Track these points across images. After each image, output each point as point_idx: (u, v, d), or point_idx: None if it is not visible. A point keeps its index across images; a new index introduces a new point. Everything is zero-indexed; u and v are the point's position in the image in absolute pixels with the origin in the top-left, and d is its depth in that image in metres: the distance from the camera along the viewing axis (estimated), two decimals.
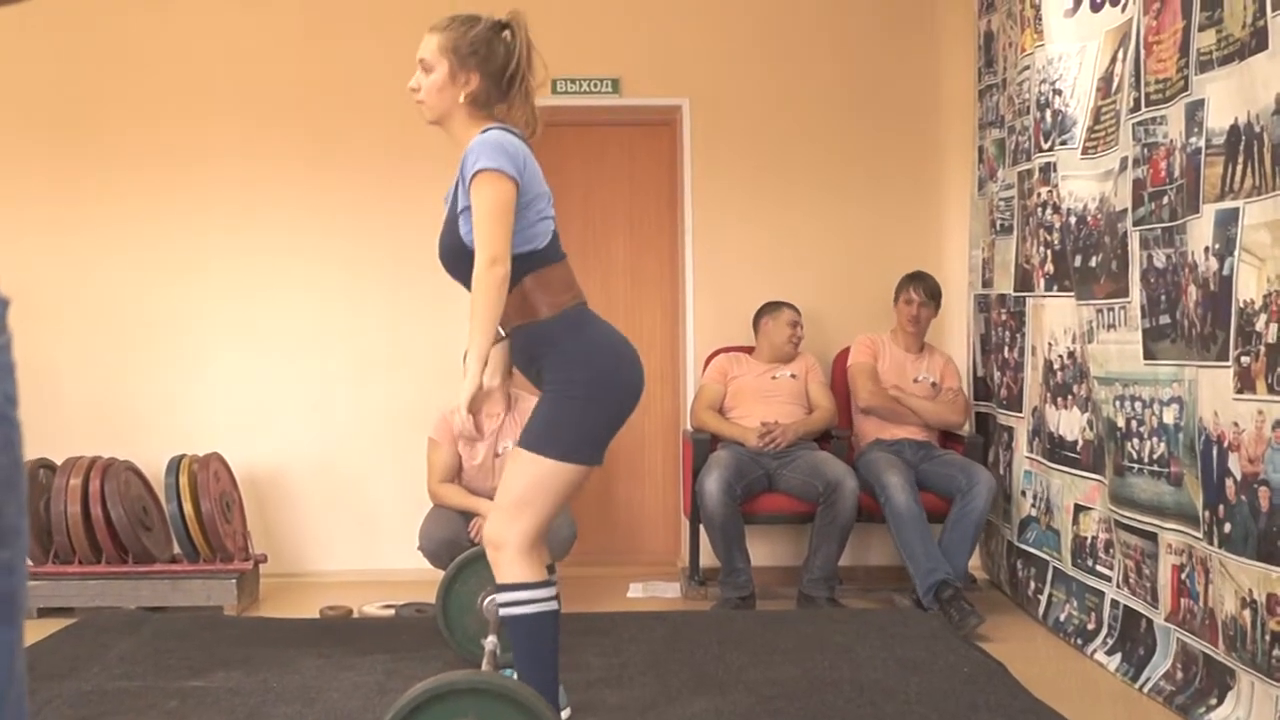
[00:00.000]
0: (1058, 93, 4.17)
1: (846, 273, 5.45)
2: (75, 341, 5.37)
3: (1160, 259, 3.47)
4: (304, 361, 5.44)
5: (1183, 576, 3.41)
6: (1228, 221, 3.04)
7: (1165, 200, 3.43)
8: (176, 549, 4.83)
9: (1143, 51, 3.54)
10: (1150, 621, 3.63)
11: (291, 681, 3.51)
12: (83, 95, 5.40)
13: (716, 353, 5.26)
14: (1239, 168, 3.00)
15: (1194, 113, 3.22)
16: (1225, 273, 3.06)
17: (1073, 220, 4.06)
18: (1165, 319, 3.45)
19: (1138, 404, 3.64)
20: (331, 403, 5.44)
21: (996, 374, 4.95)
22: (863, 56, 5.52)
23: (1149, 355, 3.56)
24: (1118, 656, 3.79)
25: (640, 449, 5.72)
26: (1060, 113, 4.15)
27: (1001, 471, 4.85)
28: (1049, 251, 4.37)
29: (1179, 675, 3.42)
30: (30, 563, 4.64)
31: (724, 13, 5.52)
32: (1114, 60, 3.80)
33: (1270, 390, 2.86)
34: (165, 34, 5.42)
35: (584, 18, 5.48)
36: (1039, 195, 4.43)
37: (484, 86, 2.79)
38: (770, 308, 5.14)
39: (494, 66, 2.80)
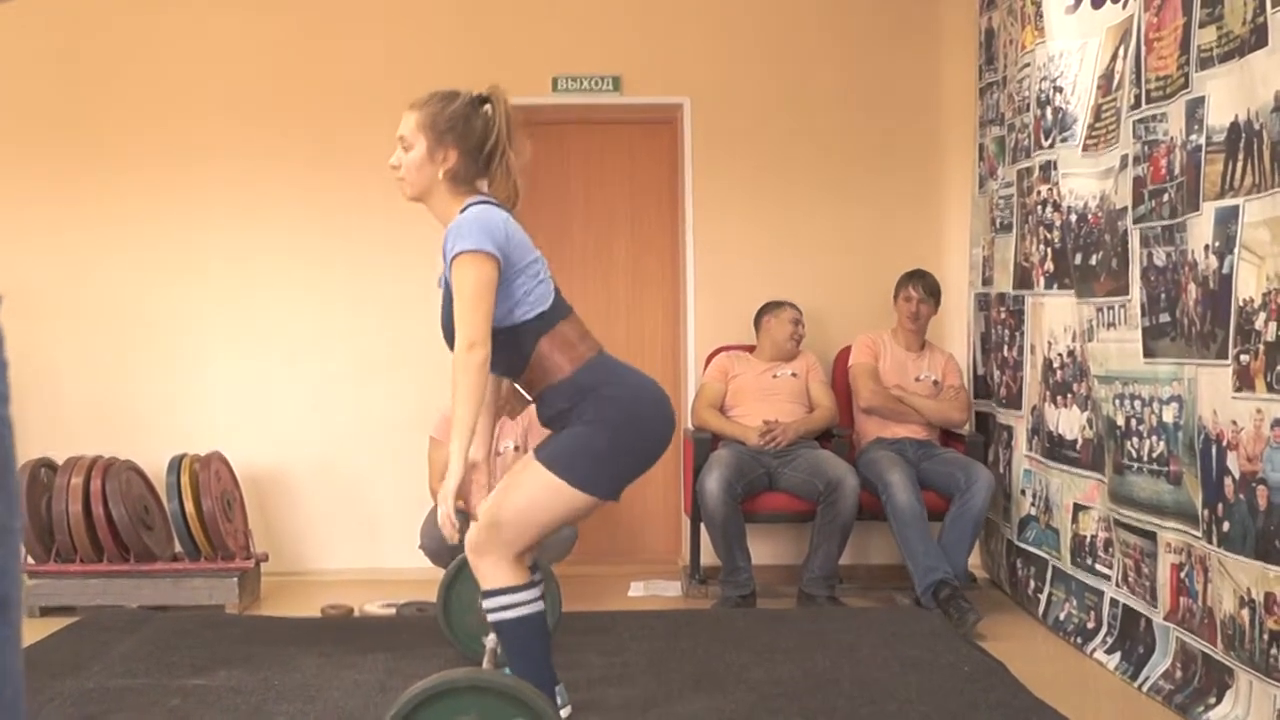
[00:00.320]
0: (1058, 90, 4.17)
1: (847, 271, 5.45)
2: (76, 341, 5.38)
3: (1160, 257, 3.47)
4: (305, 360, 5.45)
5: (1182, 575, 3.41)
6: (1228, 219, 3.04)
7: (1165, 198, 3.43)
8: (178, 548, 4.84)
9: (1143, 48, 3.54)
10: (1149, 620, 3.63)
11: (293, 680, 3.51)
12: (83, 95, 5.40)
13: (717, 351, 5.26)
14: (1239, 165, 3.00)
15: (1194, 110, 3.22)
16: (1225, 271, 3.06)
17: (1073, 218, 4.06)
18: (1165, 317, 3.45)
19: (1137, 402, 3.64)
20: (332, 402, 5.45)
21: (996, 372, 4.96)
22: (863, 54, 5.52)
23: (1149, 353, 3.56)
24: (1117, 655, 3.79)
25: None
26: (1061, 110, 4.15)
27: (1001, 470, 4.85)
28: (1049, 249, 4.37)
29: (1178, 674, 3.42)
30: (32, 561, 4.65)
31: (725, 11, 5.52)
32: (1115, 57, 3.80)
33: (1269, 389, 2.86)
34: (165, 34, 5.43)
35: (585, 15, 5.49)
36: (1039, 193, 4.43)
37: (462, 162, 2.78)
38: (772, 306, 5.15)
39: (472, 143, 2.79)
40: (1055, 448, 4.35)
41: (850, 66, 5.51)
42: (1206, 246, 3.15)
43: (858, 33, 5.52)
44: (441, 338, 2.80)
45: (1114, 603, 3.90)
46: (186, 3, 5.42)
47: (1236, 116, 3.00)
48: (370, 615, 4.61)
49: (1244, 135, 2.97)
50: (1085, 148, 4.00)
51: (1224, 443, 3.07)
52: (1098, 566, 4.04)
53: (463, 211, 2.72)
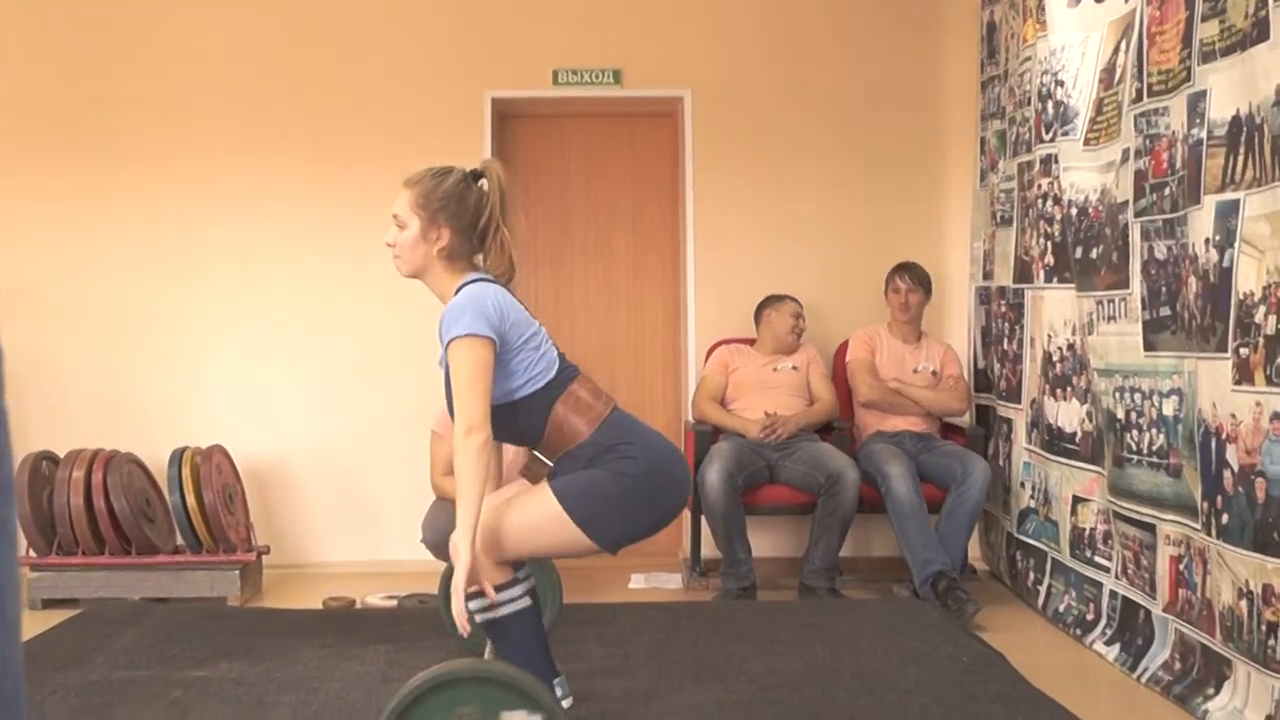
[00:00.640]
0: (1060, 84, 4.17)
1: (848, 265, 5.45)
2: (78, 334, 5.38)
3: (1161, 250, 3.47)
4: (306, 354, 5.45)
5: (1181, 567, 3.42)
6: (1228, 213, 3.05)
7: (1166, 192, 3.43)
8: (179, 540, 4.85)
9: (1145, 42, 3.55)
10: (1148, 612, 3.64)
11: (295, 671, 3.52)
12: (85, 92, 5.41)
13: (718, 344, 5.27)
14: (1240, 159, 3.01)
15: (1196, 104, 3.22)
16: (1225, 264, 3.06)
17: (1073, 212, 4.07)
18: (1165, 311, 3.45)
19: (1137, 395, 3.65)
20: (334, 395, 5.45)
21: (996, 366, 4.96)
22: (865, 48, 5.52)
23: (1149, 347, 3.57)
24: (1116, 646, 3.80)
25: None
26: (1062, 104, 4.15)
27: (1001, 463, 4.86)
28: (1049, 243, 4.38)
29: (1177, 665, 3.43)
30: (34, 554, 4.66)
31: (726, 4, 5.52)
32: (1117, 51, 3.80)
33: (1269, 382, 2.87)
34: (166, 32, 5.43)
35: (586, 8, 5.49)
36: (1040, 187, 4.44)
37: (456, 240, 2.78)
38: (773, 300, 5.15)
39: (465, 220, 2.78)
40: (1055, 440, 4.36)
41: (851, 60, 5.52)
42: (1207, 240, 3.16)
43: (859, 26, 5.52)
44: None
45: (1113, 594, 3.92)
46: (188, 0, 5.44)
47: (1238, 110, 3.01)
48: (372, 607, 4.63)
49: (1245, 129, 2.97)
50: (1086, 141, 4.01)
51: (1223, 435, 3.07)
52: (1097, 558, 4.05)
53: (457, 292, 2.73)
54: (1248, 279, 2.96)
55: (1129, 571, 3.78)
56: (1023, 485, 4.67)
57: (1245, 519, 2.97)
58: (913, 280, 5.09)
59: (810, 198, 5.51)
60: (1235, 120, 3.02)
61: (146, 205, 5.42)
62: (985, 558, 5.21)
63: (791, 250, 5.49)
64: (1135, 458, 3.67)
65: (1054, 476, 4.37)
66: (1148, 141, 3.54)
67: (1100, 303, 3.88)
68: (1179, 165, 3.35)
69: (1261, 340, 2.90)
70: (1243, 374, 2.98)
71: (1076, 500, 4.20)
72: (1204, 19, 3.17)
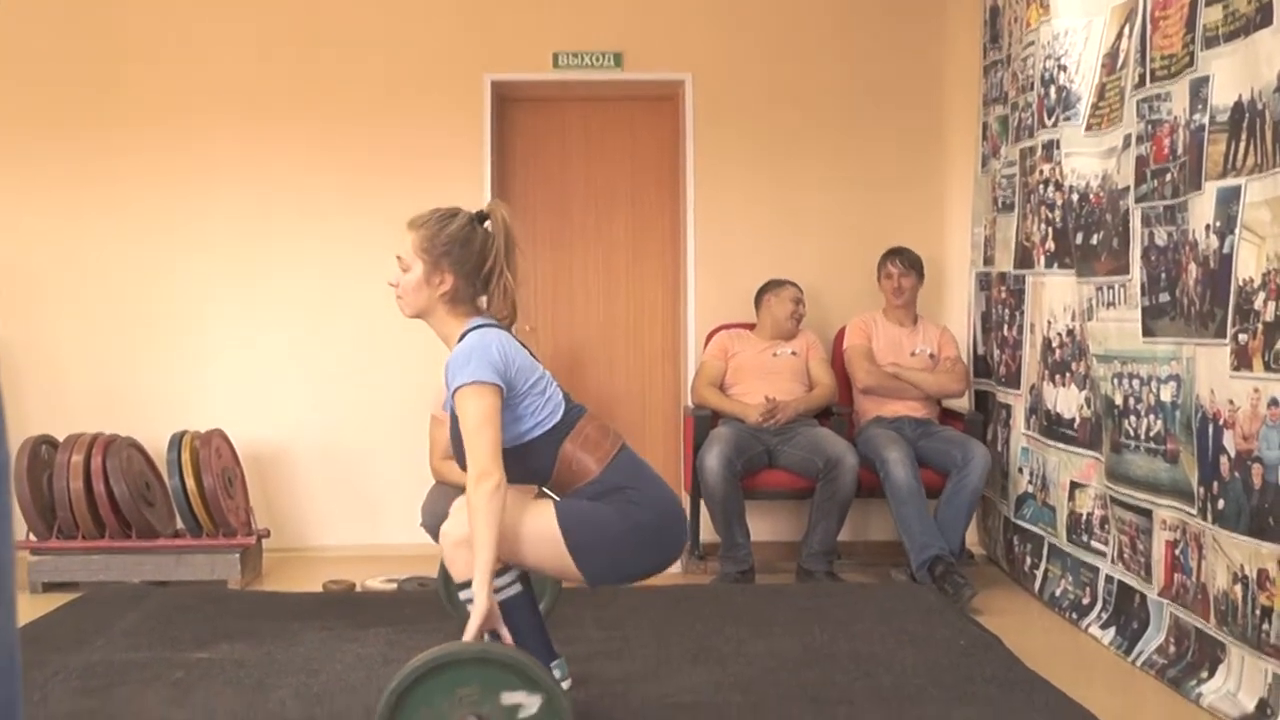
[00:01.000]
0: (1062, 68, 4.17)
1: (848, 250, 5.45)
2: (77, 319, 5.39)
3: (1161, 237, 3.48)
4: (306, 338, 5.46)
5: (1176, 552, 3.43)
6: (1229, 199, 3.05)
7: (1168, 177, 3.43)
8: (179, 524, 4.86)
9: (1149, 27, 3.54)
10: (1144, 596, 3.66)
11: (295, 653, 3.54)
12: (86, 75, 5.40)
13: (717, 329, 5.28)
14: (1241, 145, 3.01)
15: (1198, 89, 3.22)
16: (1225, 251, 3.07)
17: (1074, 197, 4.07)
18: (1165, 297, 3.46)
19: (1135, 381, 3.66)
20: (334, 379, 5.46)
21: (996, 351, 4.97)
22: (867, 33, 5.51)
23: (1148, 333, 3.57)
24: (1112, 630, 3.82)
25: (641, 425, 5.74)
26: (1065, 89, 4.15)
27: (999, 448, 4.87)
28: (1050, 229, 4.38)
29: (1171, 649, 3.45)
30: (34, 538, 4.67)
31: None
32: (1120, 36, 3.79)
33: (1267, 368, 2.88)
34: (166, 19, 5.42)
35: None
36: (1041, 172, 4.44)
37: (460, 284, 2.78)
38: (773, 285, 5.16)
39: (470, 265, 2.78)
40: (1053, 426, 4.37)
41: (853, 44, 5.51)
42: (1207, 226, 3.16)
43: (861, 11, 5.51)
44: None
45: (1109, 579, 3.93)
46: None
47: (1240, 96, 3.01)
48: (372, 590, 4.64)
49: (1247, 115, 2.98)
50: (1088, 127, 4.01)
51: (1220, 421, 3.09)
52: (1093, 543, 4.06)
53: (461, 338, 2.74)
54: (1247, 265, 2.97)
55: (1125, 556, 3.79)
56: (1021, 471, 4.68)
57: (1241, 504, 2.98)
58: (904, 264, 5.10)
59: (811, 182, 5.50)
60: (1237, 106, 3.02)
61: (146, 190, 5.41)
62: (983, 542, 5.23)
63: (791, 235, 5.49)
64: (1133, 443, 3.68)
65: (1052, 462, 4.38)
66: (1149, 127, 3.54)
67: (1100, 289, 3.89)
68: (1180, 151, 3.35)
69: (1260, 327, 2.91)
70: (1241, 360, 2.99)
71: (1074, 485, 4.21)
72: (1208, 4, 3.17)
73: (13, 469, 1.06)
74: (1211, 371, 3.14)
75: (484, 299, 2.82)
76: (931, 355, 5.09)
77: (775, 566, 5.01)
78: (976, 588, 4.32)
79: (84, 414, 5.14)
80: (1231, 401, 3.03)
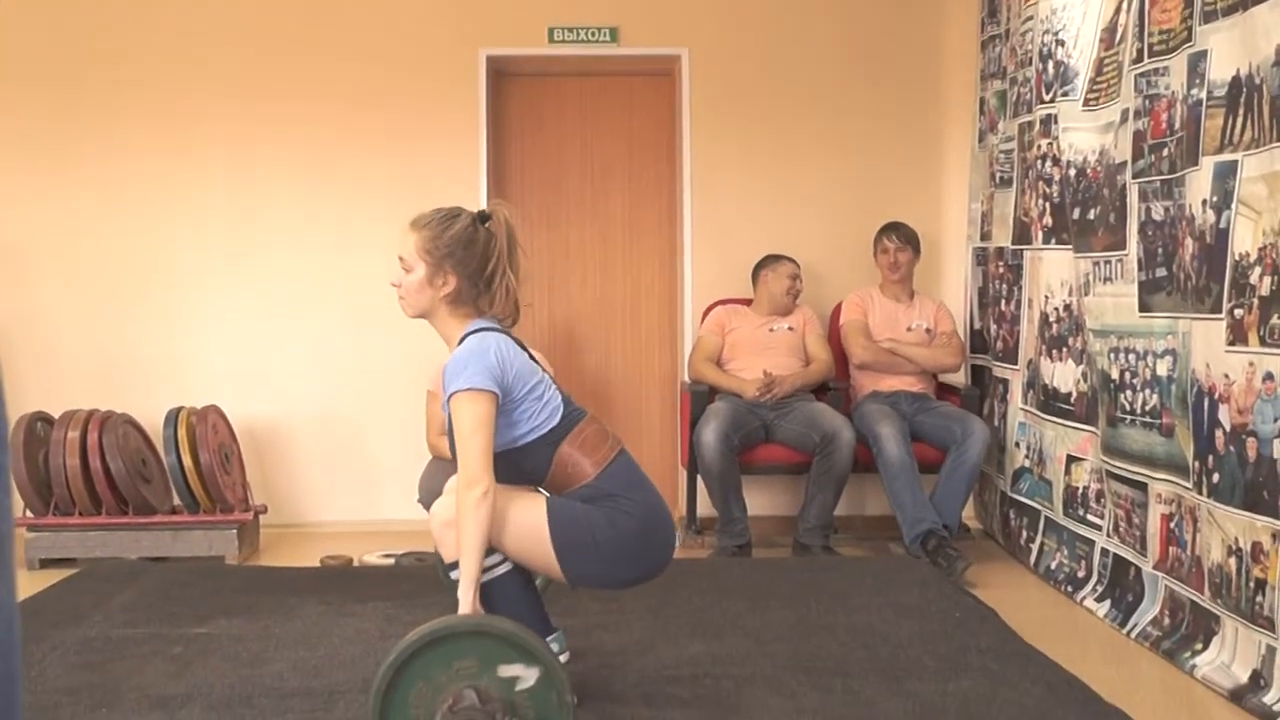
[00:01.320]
0: (1060, 43, 4.15)
1: (845, 225, 5.45)
2: (72, 295, 5.38)
3: (1158, 212, 3.48)
4: (302, 313, 5.45)
5: (1171, 525, 3.45)
6: (1226, 174, 3.05)
7: (1165, 152, 3.43)
8: (176, 501, 4.86)
9: (1147, 1, 3.53)
10: (1139, 569, 3.68)
11: (293, 628, 3.55)
12: (82, 48, 5.37)
13: (714, 305, 5.28)
14: (1239, 120, 3.00)
15: (1196, 64, 3.21)
16: (1222, 226, 3.07)
17: (1072, 173, 4.07)
18: (1162, 272, 3.46)
19: (1132, 356, 3.66)
20: (331, 355, 5.46)
21: (993, 326, 4.97)
22: (864, 7, 5.49)
23: (1144, 308, 3.58)
24: (1107, 603, 3.84)
25: (638, 400, 5.75)
26: (1063, 64, 4.14)
27: (996, 423, 4.88)
28: (1048, 204, 4.38)
29: (1166, 621, 3.47)
30: (30, 514, 4.67)
31: None
32: (1118, 10, 3.78)
33: (1262, 342, 2.88)
34: None
35: None
36: (1039, 147, 4.43)
37: (462, 286, 2.77)
38: (770, 260, 5.15)
39: (472, 267, 2.77)
40: (1050, 401, 4.38)
41: (850, 19, 5.49)
42: (1204, 201, 3.16)
43: None
44: None
45: (1104, 552, 3.95)
46: None
47: (1238, 71, 3.00)
48: (369, 565, 4.65)
49: (1245, 90, 2.97)
50: (1086, 102, 4.00)
51: (1216, 395, 3.09)
52: (1089, 517, 4.08)
53: (461, 341, 2.74)
54: (1244, 240, 2.97)
55: (1120, 529, 3.81)
56: (1018, 445, 4.69)
57: (1236, 478, 2.99)
58: (900, 239, 5.10)
59: (808, 158, 5.49)
60: (1235, 81, 3.01)
61: (141, 164, 5.39)
62: (979, 516, 5.25)
63: (788, 211, 5.48)
64: (1129, 417, 3.69)
65: (1049, 436, 4.40)
66: (1147, 102, 3.53)
67: (1097, 264, 3.89)
68: (1178, 126, 3.35)
69: (1256, 301, 2.91)
70: (1236, 335, 3.00)
71: (1070, 459, 4.22)
72: None
73: (9, 444, 1.06)
74: (1207, 346, 3.15)
75: (486, 301, 2.81)
76: (928, 330, 5.09)
77: (772, 541, 5.03)
78: (971, 561, 4.33)
79: (80, 390, 5.14)
80: (1227, 376, 3.04)
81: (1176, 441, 3.39)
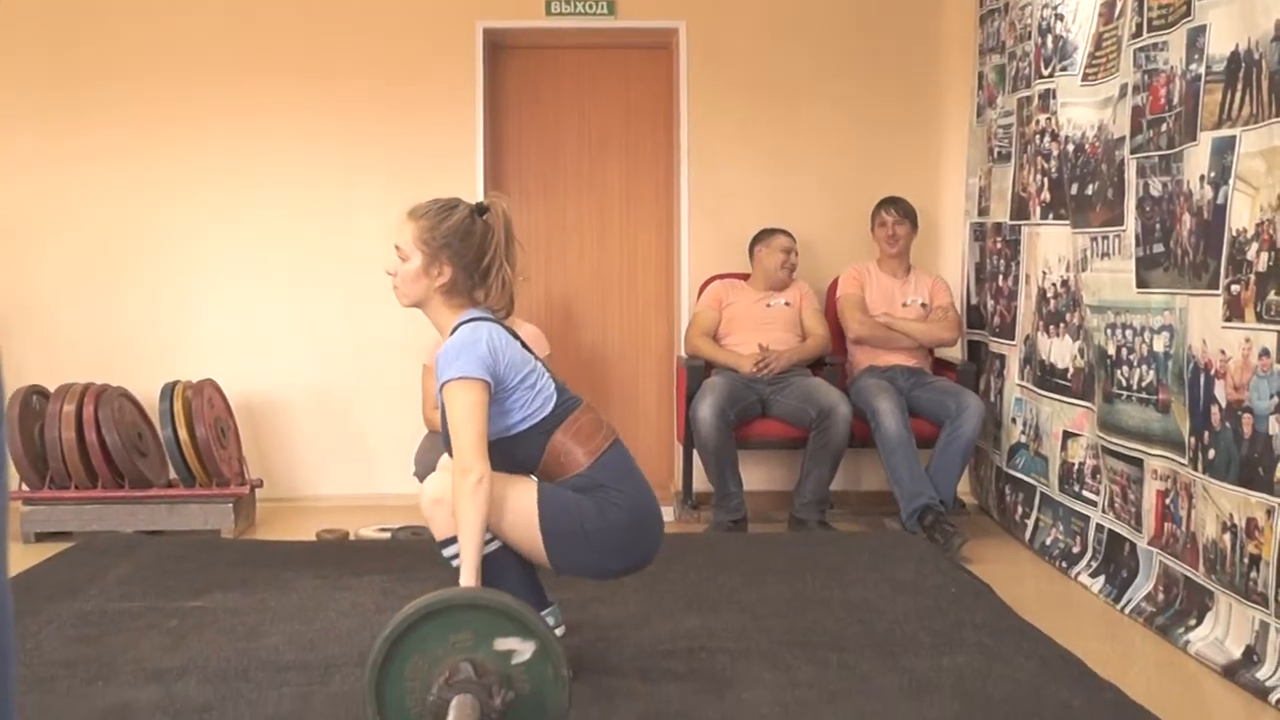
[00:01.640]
0: (1059, 18, 4.13)
1: (842, 199, 5.43)
2: (67, 268, 5.36)
3: (1156, 187, 3.47)
4: (299, 287, 5.44)
5: (1167, 501, 3.45)
6: (1224, 150, 3.04)
7: (1163, 128, 3.42)
8: (172, 474, 4.86)
9: None
10: (1134, 545, 3.69)
11: (289, 601, 3.56)
12: (75, 17, 5.33)
13: (711, 279, 5.27)
14: (1237, 95, 2.99)
15: (1195, 39, 3.20)
16: (1220, 201, 3.06)
17: (1070, 148, 4.05)
18: (1159, 247, 3.46)
19: (1129, 332, 3.66)
20: (326, 329, 5.45)
21: (990, 302, 4.97)
22: None
23: (1141, 284, 3.58)
24: (1101, 579, 3.85)
25: (635, 375, 5.75)
26: (1062, 38, 4.12)
27: (992, 399, 4.88)
28: (1046, 179, 4.37)
29: (1160, 597, 3.48)
30: (26, 488, 4.67)
31: None
32: None
33: (1259, 318, 2.88)
34: None
35: None
36: (1038, 122, 4.41)
37: (458, 277, 2.78)
38: (764, 235, 5.14)
39: (468, 259, 2.77)
40: (1047, 376, 4.38)
41: None
42: (1202, 177, 3.15)
43: None
44: None
45: (1099, 528, 3.96)
46: None
47: (1237, 46, 2.99)
48: (365, 539, 4.66)
49: (1243, 65, 2.96)
50: (1085, 77, 3.98)
51: (1212, 371, 3.09)
52: (1085, 493, 4.09)
53: (454, 331, 2.74)
54: (1241, 216, 2.96)
55: (1116, 505, 3.82)
56: (1014, 421, 4.70)
57: (1231, 454, 2.99)
58: (898, 213, 5.09)
59: (805, 132, 5.47)
60: (1234, 56, 3.00)
61: (135, 137, 5.36)
62: (974, 492, 5.25)
63: (786, 185, 5.46)
64: (1125, 393, 3.69)
65: (1045, 412, 4.40)
66: (1146, 77, 3.52)
67: (1095, 239, 3.88)
68: (1176, 101, 3.34)
69: (1253, 277, 2.91)
70: (1233, 311, 2.99)
71: (1067, 435, 4.23)
72: None
73: (6, 418, 1.06)
74: (1204, 322, 3.14)
75: (480, 292, 2.82)
76: (924, 305, 5.09)
77: (768, 516, 5.04)
78: (967, 536, 4.34)
79: (75, 364, 5.13)
80: (1223, 352, 3.04)
81: (1172, 417, 3.39)
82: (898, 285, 5.11)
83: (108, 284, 5.38)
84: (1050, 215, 4.34)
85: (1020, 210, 4.63)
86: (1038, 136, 4.41)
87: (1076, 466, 4.16)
